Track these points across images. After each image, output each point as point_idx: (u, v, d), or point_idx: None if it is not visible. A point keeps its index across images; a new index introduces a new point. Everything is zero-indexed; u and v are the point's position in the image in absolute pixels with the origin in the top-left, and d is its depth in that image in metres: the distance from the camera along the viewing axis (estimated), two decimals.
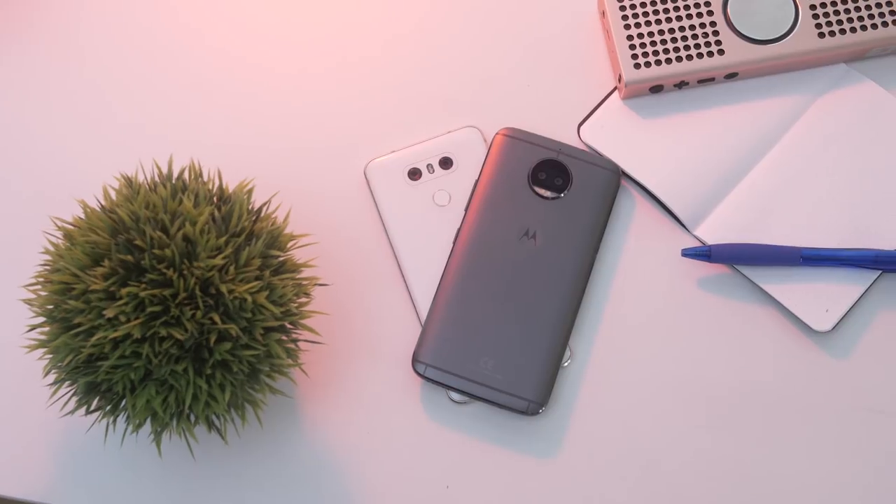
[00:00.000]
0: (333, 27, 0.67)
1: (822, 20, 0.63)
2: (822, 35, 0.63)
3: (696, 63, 0.63)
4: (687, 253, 0.61)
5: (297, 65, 0.66)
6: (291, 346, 0.54)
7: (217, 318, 0.49)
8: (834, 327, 0.60)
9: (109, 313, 0.49)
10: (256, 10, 0.67)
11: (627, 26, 0.63)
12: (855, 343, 0.61)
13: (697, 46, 0.63)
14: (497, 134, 0.63)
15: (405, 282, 0.62)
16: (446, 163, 0.64)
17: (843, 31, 0.63)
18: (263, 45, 0.67)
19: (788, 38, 0.63)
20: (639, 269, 0.62)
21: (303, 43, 0.67)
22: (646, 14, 0.64)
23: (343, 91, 0.66)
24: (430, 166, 0.63)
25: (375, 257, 0.63)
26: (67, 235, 0.52)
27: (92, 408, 0.54)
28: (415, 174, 0.63)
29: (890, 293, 0.62)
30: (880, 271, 0.61)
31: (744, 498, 0.59)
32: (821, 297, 0.61)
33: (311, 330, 0.54)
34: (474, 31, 0.67)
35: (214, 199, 0.54)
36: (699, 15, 0.64)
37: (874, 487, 0.59)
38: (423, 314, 0.61)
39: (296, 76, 0.66)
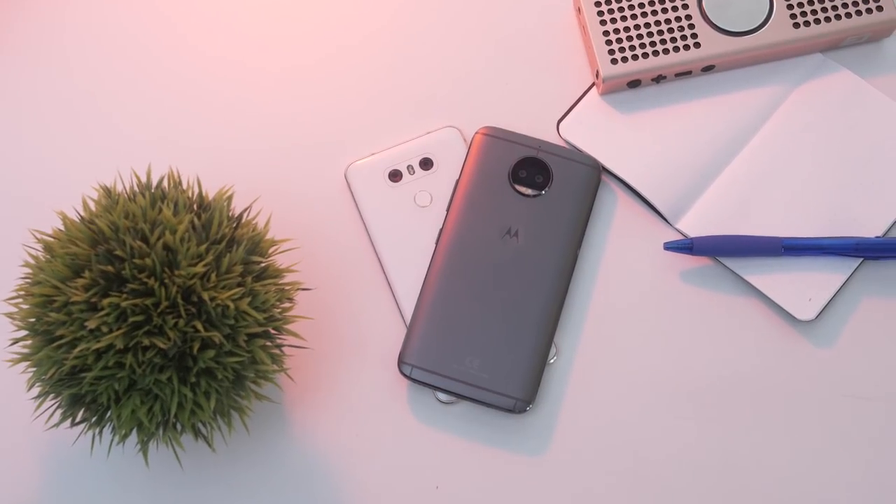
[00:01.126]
0: (309, 32, 0.67)
1: (797, 10, 0.64)
2: (796, 25, 0.63)
3: (673, 57, 0.63)
4: (669, 246, 0.61)
5: (274, 70, 0.66)
6: (276, 351, 0.54)
7: (200, 326, 0.49)
8: (817, 316, 0.61)
9: (91, 324, 0.49)
10: (232, 17, 0.67)
11: (603, 22, 0.64)
12: (839, 331, 0.61)
13: (674, 40, 0.63)
14: (476, 133, 0.63)
15: (389, 284, 0.62)
16: (427, 163, 0.63)
17: (817, 21, 0.63)
18: (240, 52, 0.67)
19: (764, 29, 0.64)
20: (622, 264, 0.62)
21: (280, 48, 0.67)
22: (621, 9, 0.64)
23: (321, 95, 0.66)
24: (410, 167, 0.63)
25: (358, 260, 0.63)
26: (47, 248, 0.52)
27: (77, 420, 0.54)
28: (395, 176, 0.63)
29: (872, 280, 0.62)
30: (862, 259, 0.61)
31: (732, 488, 0.59)
32: (803, 287, 0.61)
33: (295, 335, 0.54)
34: (451, 31, 0.67)
35: (194, 206, 0.54)
36: (674, 9, 0.64)
37: (860, 474, 0.59)
38: (408, 315, 0.61)
39: (274, 81, 0.66)
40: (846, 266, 0.61)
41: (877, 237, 0.61)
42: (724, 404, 0.60)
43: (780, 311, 0.61)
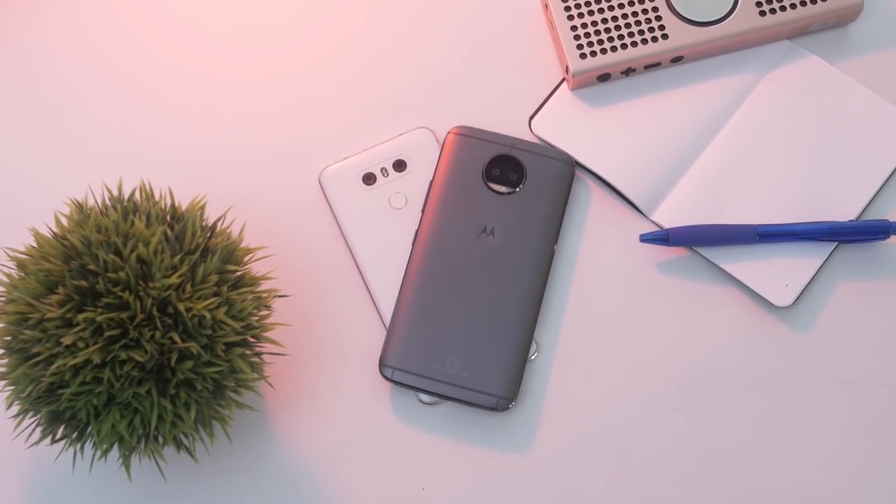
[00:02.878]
0: (277, 37, 0.67)
1: None
2: (762, 13, 0.64)
3: (641, 49, 0.63)
4: (645, 238, 0.61)
5: (244, 77, 0.66)
6: (255, 359, 0.54)
7: (177, 338, 0.49)
8: (794, 301, 0.61)
9: (67, 340, 0.48)
10: (199, 25, 0.67)
11: (571, 17, 0.64)
12: (816, 315, 0.61)
13: (641, 33, 0.63)
14: (449, 133, 0.63)
15: (367, 287, 0.62)
16: (400, 165, 0.63)
17: (783, 8, 0.64)
18: (210, 60, 0.66)
19: (730, 18, 0.64)
20: (599, 258, 0.63)
21: (249, 56, 0.66)
22: (588, 4, 0.64)
23: (292, 100, 0.66)
24: (384, 170, 0.63)
25: (335, 265, 0.62)
26: (20, 265, 0.52)
27: (57, 436, 0.53)
28: (369, 179, 0.63)
29: (847, 264, 0.62)
30: (836, 243, 0.62)
31: (719, 478, 0.59)
32: (780, 273, 0.61)
33: (274, 342, 0.54)
34: (419, 32, 0.67)
35: (167, 218, 0.54)
36: (641, 1, 0.64)
37: (843, 456, 0.59)
38: (387, 318, 0.61)
39: (243, 88, 0.66)
40: (821, 251, 0.62)
41: (850, 221, 0.61)
42: (704, 393, 0.60)
43: (757, 298, 0.62)
